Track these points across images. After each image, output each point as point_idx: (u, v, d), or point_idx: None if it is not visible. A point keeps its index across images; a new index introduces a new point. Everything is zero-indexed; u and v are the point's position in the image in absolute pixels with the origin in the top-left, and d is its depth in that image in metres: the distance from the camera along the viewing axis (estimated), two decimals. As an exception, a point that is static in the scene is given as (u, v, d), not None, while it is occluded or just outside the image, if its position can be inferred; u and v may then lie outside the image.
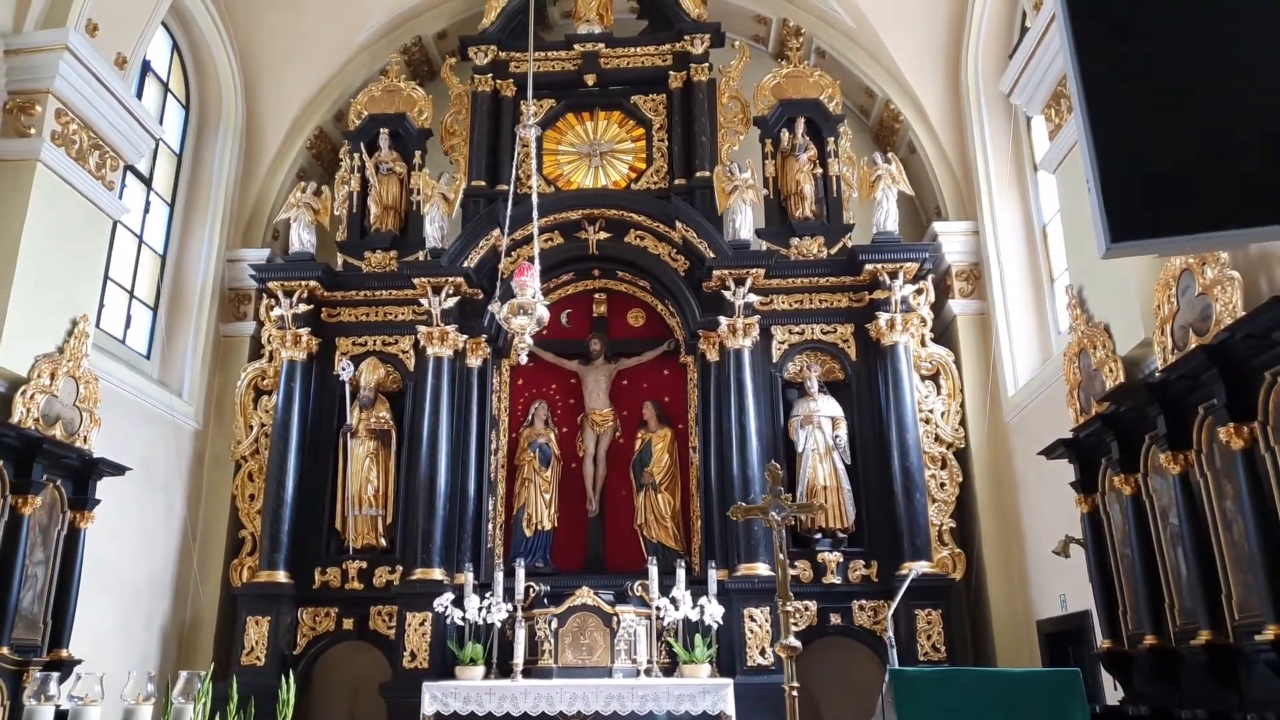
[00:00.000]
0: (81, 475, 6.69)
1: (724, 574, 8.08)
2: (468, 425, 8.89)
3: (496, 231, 9.01)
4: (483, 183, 9.44)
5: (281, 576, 8.31)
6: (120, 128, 7.31)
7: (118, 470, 6.97)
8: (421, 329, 8.90)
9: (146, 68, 8.71)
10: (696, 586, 7.96)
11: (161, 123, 8.74)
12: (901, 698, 3.70)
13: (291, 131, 9.99)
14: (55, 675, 3.59)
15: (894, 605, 7.16)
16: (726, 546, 8.26)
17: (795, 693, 4.85)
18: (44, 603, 6.34)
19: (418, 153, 9.71)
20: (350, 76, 10.14)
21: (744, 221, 8.97)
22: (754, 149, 9.55)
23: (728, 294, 8.70)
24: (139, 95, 8.15)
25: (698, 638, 7.75)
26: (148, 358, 8.84)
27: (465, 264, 8.94)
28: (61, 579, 6.50)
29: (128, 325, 8.60)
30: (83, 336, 6.83)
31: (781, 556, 5.24)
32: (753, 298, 8.73)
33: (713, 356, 8.83)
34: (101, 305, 7.83)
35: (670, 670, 7.84)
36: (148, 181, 8.93)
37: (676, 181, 9.36)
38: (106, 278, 8.00)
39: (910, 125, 9.62)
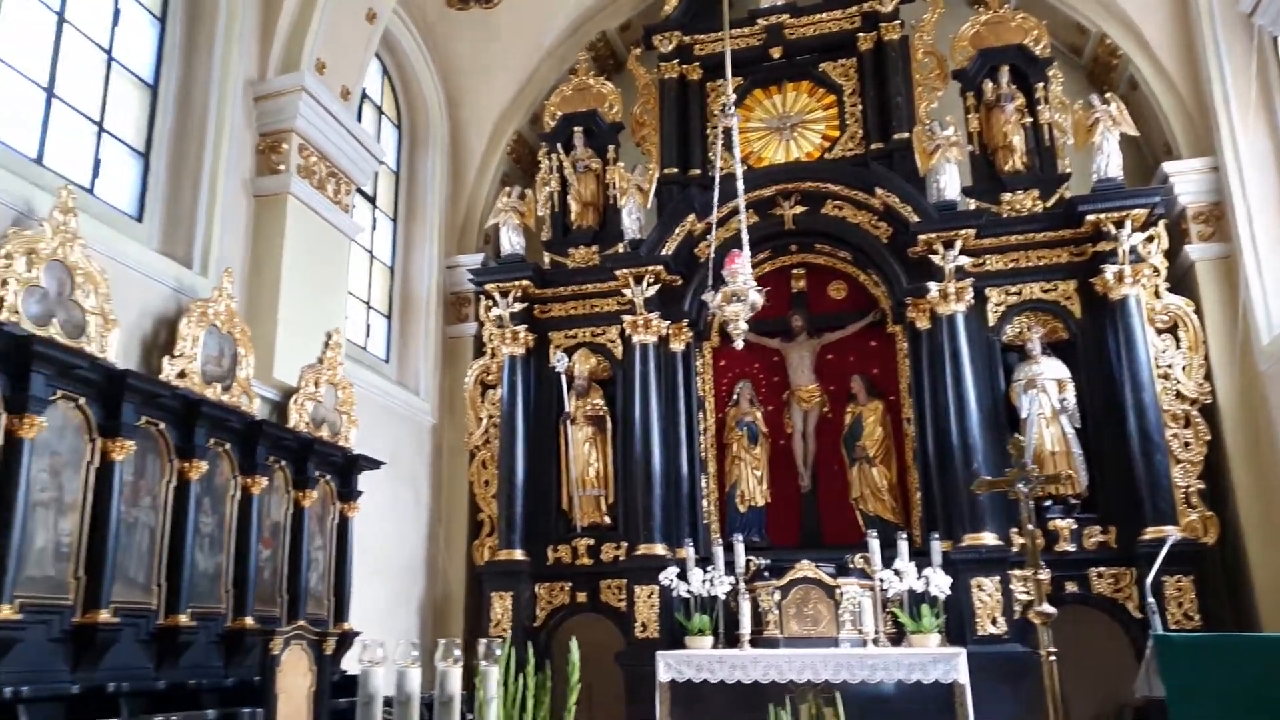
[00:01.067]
0: (345, 470, 7.49)
1: (947, 545, 7.93)
2: (675, 407, 9.15)
3: (691, 217, 9.18)
4: (675, 170, 9.62)
5: (518, 555, 8.92)
6: (350, 155, 8.03)
7: (374, 464, 7.74)
8: (626, 318, 9.22)
9: (363, 96, 9.48)
10: (919, 558, 7.86)
11: (379, 144, 9.50)
12: (1167, 665, 3.55)
13: (492, 139, 10.56)
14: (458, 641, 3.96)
15: (1153, 571, 6.83)
16: (949, 517, 8.09)
17: (1053, 659, 4.80)
18: (326, 583, 7.21)
19: (611, 147, 10.00)
20: (542, 80, 10.57)
21: (949, 181, 8.67)
22: (953, 105, 9.18)
23: (935, 258, 8.45)
24: (359, 120, 8.90)
25: (924, 608, 7.66)
26: (387, 361, 9.68)
27: (663, 252, 9.17)
28: (337, 562, 7.35)
29: (368, 334, 9.45)
30: (336, 347, 7.59)
31: (1031, 527, 5.19)
32: (963, 260, 8.44)
33: (923, 324, 8.62)
34: (345, 317, 8.66)
35: (896, 641, 7.81)
36: (373, 200, 9.74)
37: (873, 146, 9.16)
38: (348, 292, 8.84)
39: (1130, 60, 8.94)
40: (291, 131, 7.20)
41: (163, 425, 5.65)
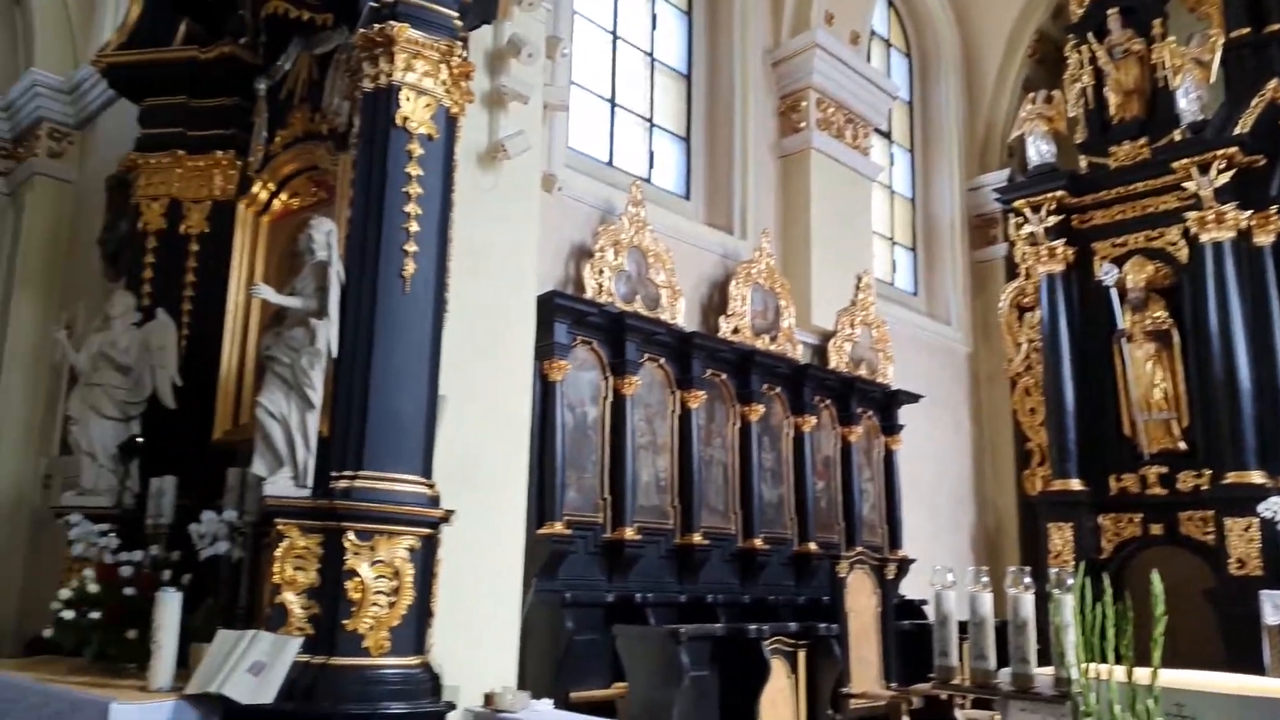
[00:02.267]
0: (885, 405, 7.83)
1: None
2: (1267, 310, 7.84)
3: (1273, 83, 7.72)
4: (1246, 30, 8.16)
5: (1075, 484, 8.47)
6: (864, 98, 8.22)
7: (913, 398, 7.96)
8: (1191, 215, 8.10)
9: (870, 35, 9.54)
10: None
11: (890, 79, 9.51)
12: None
13: (1009, 45, 9.93)
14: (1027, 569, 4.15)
15: None
16: None
17: None
18: (878, 512, 7.66)
19: (1156, 22, 8.77)
20: (1059, -33, 9.62)
21: None
22: None
23: None
24: (868, 61, 9.01)
25: None
26: (915, 294, 9.77)
27: (1236, 131, 7.85)
28: (887, 492, 7.76)
29: (893, 269, 9.63)
30: (867, 288, 7.92)
31: None
32: None
33: None
34: (872, 257, 8.93)
35: None
36: (888, 136, 9.81)
37: None
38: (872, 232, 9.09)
39: None
40: (808, 88, 7.61)
41: (724, 376, 6.48)
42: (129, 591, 4.00)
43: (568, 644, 4.84)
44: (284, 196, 5.12)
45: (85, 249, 7.82)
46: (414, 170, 3.92)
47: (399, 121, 3.92)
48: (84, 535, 4.58)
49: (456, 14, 4.14)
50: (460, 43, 4.11)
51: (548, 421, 5.22)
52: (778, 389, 6.84)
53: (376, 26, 3.93)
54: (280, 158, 5.00)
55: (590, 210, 5.97)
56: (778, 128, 7.75)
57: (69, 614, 4.02)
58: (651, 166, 7.05)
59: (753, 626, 5.07)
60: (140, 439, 4.90)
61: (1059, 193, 8.78)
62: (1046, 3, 9.76)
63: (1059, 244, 8.79)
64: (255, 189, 5.14)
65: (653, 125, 7.11)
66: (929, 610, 4.62)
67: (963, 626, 3.60)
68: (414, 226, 3.88)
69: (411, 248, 3.86)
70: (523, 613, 4.65)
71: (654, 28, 7.22)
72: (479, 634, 4.23)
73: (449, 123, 4.10)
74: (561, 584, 5.17)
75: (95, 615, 3.97)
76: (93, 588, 4.05)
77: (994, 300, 9.57)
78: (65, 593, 4.11)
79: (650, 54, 7.18)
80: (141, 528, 4.68)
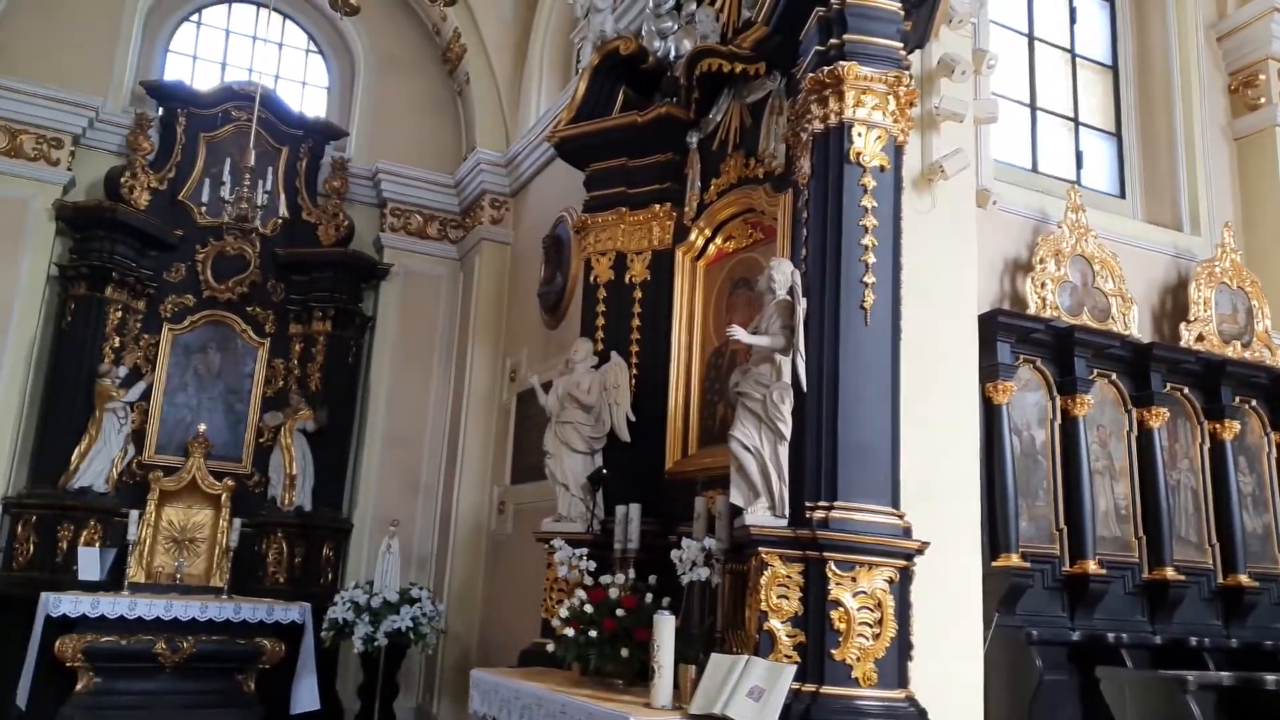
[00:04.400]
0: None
1: None
2: None
3: None
4: None
5: None
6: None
7: None
8: None
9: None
10: None
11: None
12: None
13: None
14: None
15: None
16: None
17: None
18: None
19: None
20: None
21: None
22: None
23: None
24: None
25: None
26: None
27: None
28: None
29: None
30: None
31: None
32: None
33: None
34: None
35: None
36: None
37: None
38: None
39: None
40: (1267, 58, 6.61)
41: (1185, 389, 5.77)
42: (620, 612, 4.39)
43: (1038, 684, 4.53)
44: (718, 241, 5.43)
45: (522, 301, 8.92)
46: (868, 203, 3.96)
47: (852, 157, 3.98)
48: (566, 559, 5.15)
49: (901, 44, 4.14)
50: (905, 72, 4.10)
51: (994, 447, 4.98)
52: (1252, 401, 5.96)
53: (825, 69, 4.03)
54: (716, 204, 5.33)
55: (1021, 221, 5.64)
56: (1228, 108, 6.82)
57: (569, 631, 4.50)
58: (1080, 167, 6.52)
59: (1271, 677, 4.40)
60: (605, 471, 5.42)
61: None
62: None
63: None
64: (692, 236, 5.52)
65: (1078, 124, 6.58)
66: None
67: None
68: (871, 258, 3.91)
69: (870, 279, 3.89)
70: (984, 649, 4.46)
71: (1073, 22, 6.70)
72: (944, 669, 4.12)
73: (896, 152, 4.10)
74: (1020, 619, 4.88)
75: (593, 633, 4.40)
76: (587, 608, 4.50)
77: None
78: (563, 612, 4.62)
79: (1071, 50, 6.67)
80: (609, 551, 5.16)
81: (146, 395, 8.20)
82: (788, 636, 3.68)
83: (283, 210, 8.81)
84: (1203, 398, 5.78)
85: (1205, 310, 5.92)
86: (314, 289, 8.86)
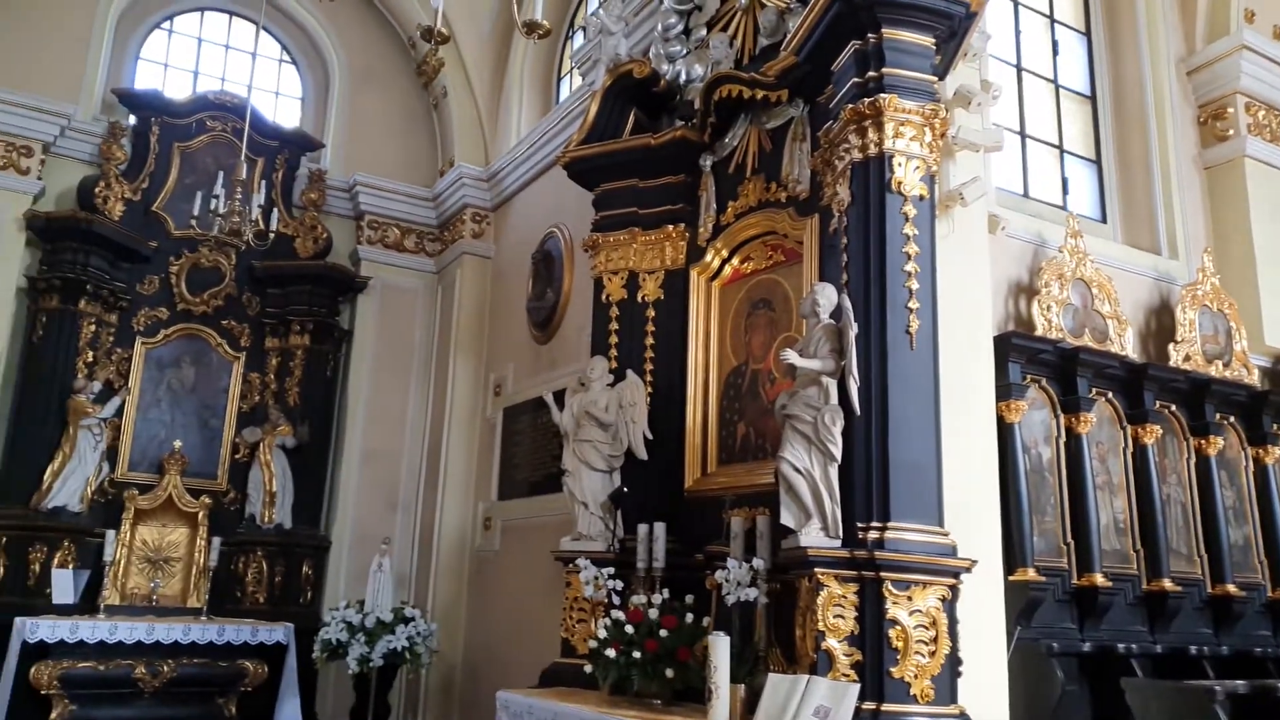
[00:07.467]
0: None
1: None
2: None
3: None
4: None
5: None
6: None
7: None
8: None
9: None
10: None
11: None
12: None
13: None
14: None
15: None
16: None
17: None
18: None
19: None
20: None
21: None
22: None
23: None
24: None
25: None
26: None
27: None
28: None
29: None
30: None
31: None
32: None
33: None
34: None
35: None
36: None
37: None
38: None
39: None
40: (1235, 93, 6.99)
41: (1173, 407, 6.05)
42: (663, 633, 4.42)
43: (1060, 696, 4.71)
44: (735, 262, 5.52)
45: (505, 315, 8.89)
46: (910, 230, 4.09)
47: (894, 186, 4.10)
48: (592, 578, 5.15)
49: (935, 78, 4.29)
50: (940, 104, 4.25)
51: (1007, 465, 5.15)
52: (1231, 418, 6.28)
53: (866, 100, 4.15)
54: (734, 226, 5.41)
55: (1021, 245, 5.85)
56: (1198, 138, 7.18)
57: (610, 652, 4.52)
58: (1066, 193, 6.79)
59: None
60: (625, 489, 5.45)
61: None
62: None
63: None
64: (708, 257, 5.59)
65: (1063, 151, 6.86)
66: None
67: None
68: (914, 284, 4.04)
69: (914, 305, 4.02)
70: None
71: (1055, 54, 6.99)
72: (976, 682, 4.23)
73: (930, 181, 4.23)
74: (1035, 632, 5.05)
75: (635, 654, 4.43)
76: (628, 629, 4.52)
77: None
78: (601, 632, 4.63)
79: (1055, 80, 6.95)
80: (631, 570, 5.19)
81: (119, 411, 7.93)
82: (845, 655, 3.75)
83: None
84: (1188, 415, 6.07)
85: (1191, 331, 6.22)
86: (291, 302, 8.69)
